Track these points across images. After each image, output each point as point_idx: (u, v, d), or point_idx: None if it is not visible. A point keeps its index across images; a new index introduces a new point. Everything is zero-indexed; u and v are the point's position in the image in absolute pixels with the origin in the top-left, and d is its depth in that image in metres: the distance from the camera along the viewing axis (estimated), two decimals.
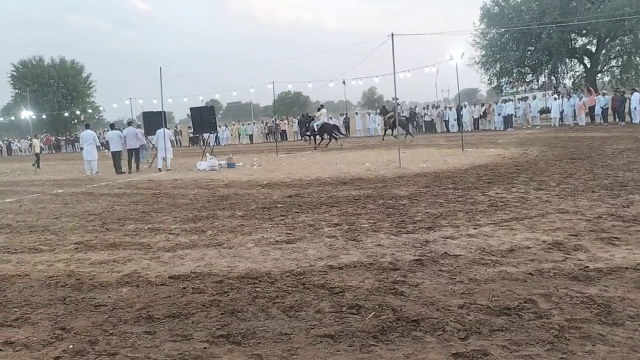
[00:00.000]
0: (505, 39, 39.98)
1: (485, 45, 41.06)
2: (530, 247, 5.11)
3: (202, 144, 25.02)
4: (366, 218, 7.11)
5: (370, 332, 3.31)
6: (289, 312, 3.80)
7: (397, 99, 18.24)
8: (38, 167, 23.33)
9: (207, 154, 18.84)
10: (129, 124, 20.40)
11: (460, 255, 5.00)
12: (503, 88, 42.28)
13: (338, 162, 16.42)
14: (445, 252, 5.10)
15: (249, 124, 46.05)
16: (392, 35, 14.09)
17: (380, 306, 3.75)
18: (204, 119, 20.24)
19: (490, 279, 4.24)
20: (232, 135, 42.89)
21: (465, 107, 32.32)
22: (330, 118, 30.36)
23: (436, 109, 35.82)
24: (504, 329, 3.26)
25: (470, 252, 5.10)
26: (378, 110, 32.88)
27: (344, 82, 28.83)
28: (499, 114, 30.94)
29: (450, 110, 33.69)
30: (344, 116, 40.55)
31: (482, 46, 41.25)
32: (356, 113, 43.66)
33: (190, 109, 21.64)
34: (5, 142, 57.42)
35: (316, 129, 24.57)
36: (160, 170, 17.71)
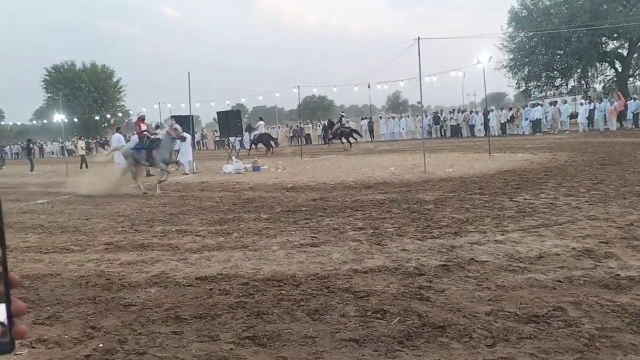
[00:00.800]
0: (533, 43, 39.36)
1: (513, 48, 40.50)
2: (559, 254, 5.03)
3: (228, 147, 25.29)
4: (391, 222, 7.08)
5: (396, 337, 3.30)
6: (313, 316, 3.82)
7: (421, 103, 18.15)
8: (86, 167, 24.14)
9: (233, 157, 19.02)
10: (157, 127, 20.74)
11: (487, 261, 4.94)
12: (531, 92, 41.63)
13: (362, 166, 16.39)
14: (472, 258, 5.05)
15: (273, 127, 46.32)
16: (418, 39, 14.03)
17: (406, 311, 3.74)
18: (230, 122, 20.48)
19: (518, 286, 4.19)
20: None
21: (492, 111, 31.93)
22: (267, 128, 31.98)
23: (462, 113, 35.48)
24: (532, 336, 3.21)
25: (498, 258, 5.04)
26: (325, 123, 34.24)
27: (368, 86, 28.79)
28: (527, 119, 30.48)
29: (477, 114, 33.33)
30: (368, 120, 40.47)
31: (509, 50, 40.71)
32: (380, 117, 43.46)
33: (217, 113, 21.92)
34: (38, 144, 58.89)
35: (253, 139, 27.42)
36: (186, 174, 17.93)
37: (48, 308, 4.38)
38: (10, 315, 0.54)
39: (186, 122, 21.30)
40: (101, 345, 3.51)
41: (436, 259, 5.12)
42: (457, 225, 6.60)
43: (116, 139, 19.54)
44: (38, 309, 4.37)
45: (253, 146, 28.83)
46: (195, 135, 25.06)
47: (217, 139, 40.91)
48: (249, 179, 14.63)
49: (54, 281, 5.22)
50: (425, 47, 14.08)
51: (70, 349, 3.51)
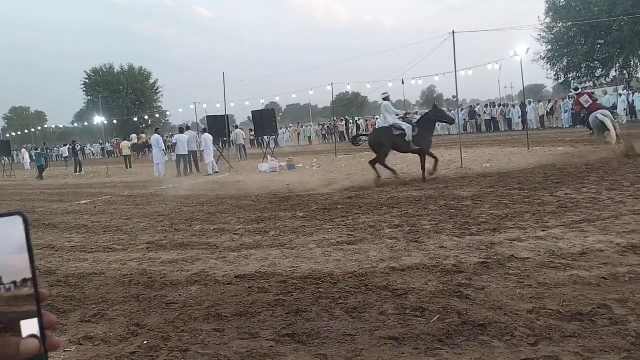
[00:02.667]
0: (572, 33, 38.19)
1: (551, 39, 39.41)
2: (603, 250, 4.88)
3: (263, 145, 25.54)
4: (428, 219, 7.02)
5: (436, 336, 3.28)
6: (352, 313, 3.83)
7: (456, 97, 17.89)
8: (130, 167, 24.94)
9: (268, 156, 19.21)
10: (187, 128, 21.11)
11: (528, 258, 4.84)
12: (571, 83, 40.45)
13: (397, 163, 16.28)
14: (512, 255, 4.96)
15: (307, 125, 46.50)
16: (453, 32, 13.83)
17: (445, 309, 3.70)
18: (265, 122, 20.68)
19: (560, 283, 4.09)
20: (291, 137, 43.48)
21: (530, 104, 31.19)
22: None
23: (499, 106, 34.78)
24: (576, 335, 3.14)
25: (539, 255, 4.93)
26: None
27: (402, 82, 28.50)
28: (567, 111, 29.63)
29: (515, 107, 32.61)
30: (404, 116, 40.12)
31: (547, 41, 39.62)
32: (415, 112, 43.07)
33: (252, 112, 22.16)
34: (79, 146, 60.76)
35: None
36: (210, 174, 18.17)
37: (94, 306, 4.53)
38: (42, 328, 0.57)
39: (221, 121, 21.64)
40: (146, 342, 3.61)
41: (475, 256, 5.05)
42: (496, 222, 6.49)
43: (155, 139, 19.97)
44: (84, 307, 4.52)
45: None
46: (231, 135, 25.30)
47: (252, 137, 41.39)
48: (284, 177, 14.74)
49: (99, 280, 5.39)
50: (461, 40, 13.89)
51: (116, 346, 3.63)
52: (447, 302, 3.85)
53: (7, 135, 43.96)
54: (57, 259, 6.54)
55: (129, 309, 4.37)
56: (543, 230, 5.85)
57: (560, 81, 41.70)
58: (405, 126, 11.50)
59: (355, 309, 3.90)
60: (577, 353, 2.90)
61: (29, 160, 33.98)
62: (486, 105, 35.97)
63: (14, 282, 0.56)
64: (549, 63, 40.18)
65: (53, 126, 58.75)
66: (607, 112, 13.12)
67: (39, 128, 54.31)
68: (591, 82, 39.22)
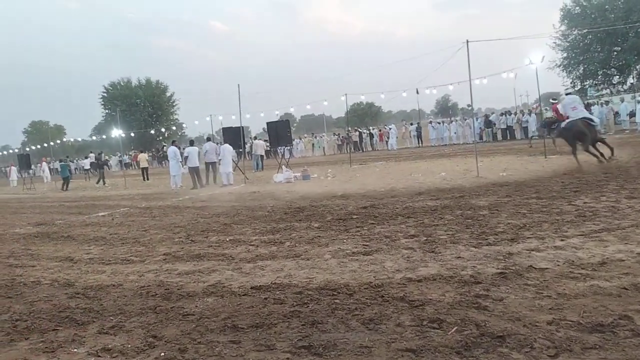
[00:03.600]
0: (588, 40, 37.95)
1: (566, 47, 39.19)
2: (623, 260, 4.80)
3: (279, 156, 25.64)
4: (444, 229, 6.97)
5: (454, 348, 3.24)
6: (368, 325, 3.80)
7: (471, 107, 17.82)
8: (147, 179, 25.20)
9: (283, 167, 19.26)
10: (208, 139, 21.28)
11: (546, 268, 4.78)
12: (587, 91, 40.04)
13: (413, 172, 16.23)
14: (531, 265, 4.89)
15: (321, 136, 46.61)
16: (467, 42, 13.80)
17: (463, 321, 3.66)
18: (280, 133, 20.78)
19: (580, 294, 4.03)
20: (305, 147, 43.61)
21: (546, 111, 30.87)
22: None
23: (515, 115, 34.51)
24: (597, 346, 3.08)
25: (558, 265, 4.86)
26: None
27: (417, 92, 28.48)
28: None
29: (530, 115, 32.32)
30: (416, 125, 40.03)
31: (563, 48, 39.41)
32: (430, 122, 42.91)
33: (267, 123, 22.28)
34: (105, 157, 61.50)
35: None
36: (224, 185, 18.23)
37: (112, 318, 4.56)
38: None
39: (237, 133, 21.79)
40: (163, 354, 3.62)
41: (493, 267, 5.00)
42: (513, 232, 6.42)
43: (172, 151, 20.15)
44: (102, 319, 4.55)
45: None
46: (246, 146, 25.46)
47: (267, 148, 41.63)
48: (299, 188, 14.76)
49: (116, 291, 5.44)
50: (475, 49, 13.85)
51: (133, 357, 3.64)
52: (465, 314, 3.81)
53: (27, 149, 44.71)
54: (76, 270, 6.61)
55: (146, 321, 4.39)
56: (562, 240, 5.77)
57: (576, 88, 41.34)
58: (595, 118, 13.26)
59: (371, 321, 3.87)
60: None
61: (49, 174, 34.43)
62: (502, 114, 35.70)
63: None
64: (564, 70, 39.93)
65: (72, 139, 59.68)
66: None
67: (58, 141, 55.14)
68: (608, 90, 38.82)
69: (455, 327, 3.56)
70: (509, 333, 3.37)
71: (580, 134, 12.98)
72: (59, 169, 26.82)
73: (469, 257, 5.47)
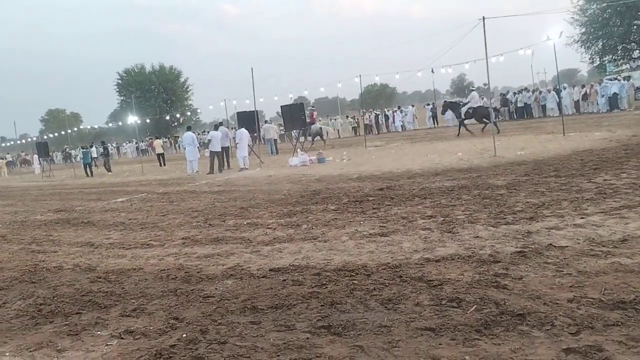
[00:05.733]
0: (607, 14, 36.91)
1: (585, 22, 38.19)
2: None
3: (294, 139, 25.62)
4: (461, 209, 6.93)
5: (473, 326, 3.23)
6: (387, 305, 3.81)
7: (488, 85, 17.56)
8: (164, 165, 25.37)
9: (298, 150, 19.26)
10: (220, 124, 21.31)
11: (566, 246, 4.73)
12: (607, 67, 39.14)
13: (429, 153, 16.11)
14: (550, 244, 4.85)
15: (336, 118, 46.39)
16: (483, 18, 13.55)
17: (482, 299, 3.65)
18: (294, 116, 20.74)
19: (601, 271, 3.98)
20: None
21: (564, 89, 30.36)
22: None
23: (533, 92, 33.94)
24: (619, 323, 3.05)
25: (578, 243, 4.81)
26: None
27: (432, 71, 28.09)
28: (603, 95, 28.72)
29: (549, 92, 31.77)
30: (431, 106, 39.61)
31: (581, 23, 38.41)
32: (445, 102, 42.39)
33: (281, 106, 22.25)
34: (115, 146, 62.13)
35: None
36: (241, 169, 18.28)
37: (133, 301, 4.64)
38: None
39: (251, 117, 21.80)
40: (184, 335, 3.68)
41: (512, 246, 4.96)
42: (532, 210, 6.36)
43: (190, 137, 20.23)
44: (124, 302, 4.63)
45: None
46: (261, 130, 25.47)
47: (282, 132, 41.62)
48: (314, 171, 14.76)
49: (137, 275, 5.52)
50: (491, 26, 13.61)
51: (156, 339, 3.71)
52: (484, 292, 3.80)
53: (45, 137, 45.29)
54: (97, 255, 6.72)
55: (167, 303, 4.45)
56: (582, 218, 5.70)
57: (595, 64, 40.45)
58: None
59: (390, 301, 3.88)
60: (620, 342, 2.82)
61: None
62: (519, 92, 35.13)
63: None
64: (583, 46, 38.98)
65: (88, 127, 60.15)
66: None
67: (75, 129, 55.70)
68: (628, 65, 37.90)
69: (475, 306, 3.55)
70: (529, 311, 3.35)
71: (486, 114, 21.13)
72: (81, 156, 27.16)
73: (488, 236, 5.43)
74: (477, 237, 5.46)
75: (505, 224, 5.85)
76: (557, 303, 3.45)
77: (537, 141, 15.77)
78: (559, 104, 27.84)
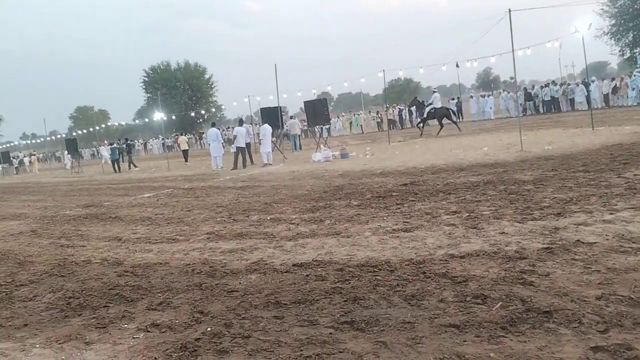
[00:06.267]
0: (638, 5, 35.92)
1: (614, 13, 37.26)
2: None
3: (315, 135, 25.64)
4: (487, 205, 6.84)
5: (498, 323, 3.19)
6: (410, 301, 3.79)
7: (514, 79, 17.28)
8: (187, 161, 25.66)
9: (321, 146, 19.26)
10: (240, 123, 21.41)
11: (595, 242, 4.63)
12: (637, 59, 38.10)
13: (453, 148, 15.94)
14: (578, 240, 4.75)
15: (359, 113, 46.25)
16: (510, 11, 13.31)
17: (508, 296, 3.60)
18: (317, 111, 20.74)
19: (631, 268, 3.89)
20: (343, 126, 43.42)
21: (593, 82, 29.65)
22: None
23: (561, 86, 33.23)
24: None
25: (607, 239, 4.70)
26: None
27: (457, 65, 27.76)
28: (633, 88, 27.95)
29: (577, 86, 31.07)
30: (456, 100, 39.16)
31: (611, 15, 37.49)
32: (471, 96, 41.85)
33: (304, 102, 22.24)
34: (142, 142, 63.07)
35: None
36: (265, 165, 18.35)
37: (159, 295, 4.71)
38: None
39: (274, 113, 21.87)
40: (209, 329, 3.72)
41: (538, 242, 4.88)
42: (559, 206, 6.24)
43: (214, 133, 20.42)
44: (150, 296, 4.71)
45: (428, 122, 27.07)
46: (285, 126, 25.54)
47: (305, 127, 41.65)
48: (337, 167, 14.75)
49: (163, 269, 5.60)
50: (517, 19, 13.36)
51: (181, 332, 3.76)
52: (510, 289, 3.74)
53: (74, 134, 46.24)
54: (124, 250, 6.84)
55: (192, 297, 4.51)
56: (611, 214, 5.57)
57: (625, 57, 39.43)
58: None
59: (413, 297, 3.86)
60: None
61: (108, 156, 35.26)
62: (545, 85, 34.41)
63: None
64: (612, 38, 38.06)
65: (116, 123, 61.25)
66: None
67: (103, 126, 56.76)
68: None
69: (500, 303, 3.51)
70: (556, 308, 3.29)
71: (446, 115, 24.28)
72: (109, 152, 27.59)
73: (514, 232, 5.35)
74: (503, 233, 5.38)
75: (531, 220, 5.75)
76: (585, 300, 3.38)
77: (565, 135, 15.46)
78: (588, 98, 27.21)
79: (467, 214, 6.42)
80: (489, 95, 37.86)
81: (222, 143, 20.25)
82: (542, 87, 34.32)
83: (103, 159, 34.42)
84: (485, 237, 5.31)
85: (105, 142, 40.71)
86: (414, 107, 29.91)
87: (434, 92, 26.38)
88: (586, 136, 14.39)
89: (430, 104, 25.26)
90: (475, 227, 5.74)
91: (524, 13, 13.70)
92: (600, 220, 5.36)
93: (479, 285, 3.90)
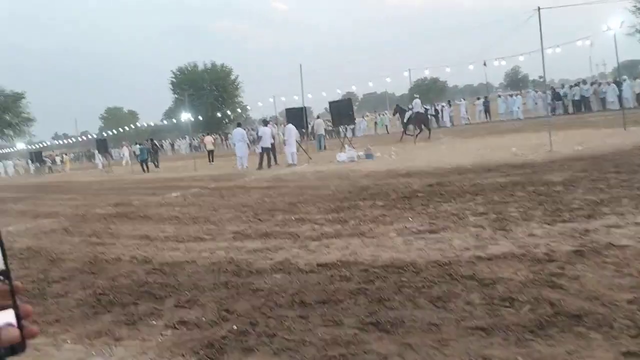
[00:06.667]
0: None
1: None
2: None
3: (341, 136, 25.63)
4: (515, 206, 6.73)
5: (527, 326, 3.15)
6: (436, 303, 3.77)
7: (544, 78, 16.94)
8: (212, 161, 25.99)
9: (346, 146, 19.23)
10: (265, 123, 21.53)
11: (627, 245, 4.52)
12: None
13: (481, 148, 15.74)
14: (609, 243, 4.64)
15: (384, 113, 46.04)
16: (539, 9, 13.08)
17: (536, 299, 3.54)
18: (342, 112, 20.73)
19: None
20: (368, 126, 43.28)
21: (625, 81, 28.89)
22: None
23: (592, 85, 32.46)
24: None
25: (639, 242, 4.58)
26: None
27: (484, 64, 27.43)
28: None
29: (609, 85, 30.31)
30: (484, 99, 38.63)
31: None
32: (499, 95, 41.27)
33: (329, 102, 22.26)
34: (170, 143, 64.01)
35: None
36: (289, 165, 18.41)
37: (187, 292, 4.78)
38: (19, 318, 0.58)
39: (299, 114, 21.94)
40: (235, 327, 3.76)
41: (568, 244, 4.79)
42: (590, 208, 6.10)
43: (240, 133, 20.59)
44: (178, 294, 4.78)
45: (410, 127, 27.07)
46: (308, 126, 25.60)
47: (330, 128, 41.66)
48: (362, 167, 14.71)
49: (190, 268, 5.68)
50: (547, 16, 13.11)
51: (207, 330, 3.81)
52: (539, 292, 3.68)
53: (104, 134, 47.22)
54: (153, 248, 6.96)
55: (218, 295, 4.56)
56: None
57: None
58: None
59: (439, 299, 3.83)
60: None
61: (129, 157, 35.94)
62: (575, 84, 33.66)
63: None
64: None
65: (145, 124, 62.24)
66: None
67: (132, 126, 57.79)
68: None
69: (529, 306, 3.46)
70: (587, 312, 3.23)
71: (423, 120, 24.68)
72: (138, 152, 28.02)
73: (543, 234, 5.26)
74: (532, 235, 5.29)
75: (561, 222, 5.64)
76: (616, 304, 3.31)
77: (596, 136, 15.11)
78: (620, 97, 26.50)
79: (495, 216, 6.33)
80: (517, 95, 37.23)
81: (247, 143, 20.39)
82: (571, 87, 33.60)
83: (124, 159, 35.12)
84: (514, 239, 5.23)
85: (124, 143, 41.48)
86: (398, 113, 30.34)
87: (415, 97, 26.94)
88: (618, 136, 14.04)
89: (411, 109, 25.68)
90: (503, 229, 5.66)
91: (554, 11, 13.45)
92: (633, 223, 5.22)
93: (507, 288, 3.85)
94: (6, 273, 0.57)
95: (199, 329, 3.86)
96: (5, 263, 0.57)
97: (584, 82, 34.15)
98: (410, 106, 26.75)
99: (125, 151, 37.41)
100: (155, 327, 4.01)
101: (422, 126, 24.75)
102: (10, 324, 0.56)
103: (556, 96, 32.77)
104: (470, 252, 4.97)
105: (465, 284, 4.09)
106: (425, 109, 41.05)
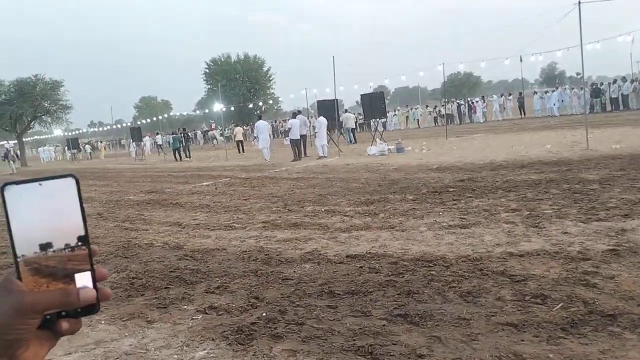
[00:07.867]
0: None
1: None
2: None
3: (372, 129, 25.53)
4: (549, 204, 6.60)
5: (559, 324, 3.10)
6: (466, 297, 3.74)
7: (582, 74, 16.48)
8: (242, 151, 26.30)
9: (377, 139, 19.14)
10: (299, 112, 21.59)
11: None
12: None
13: (514, 145, 15.46)
14: None
15: (416, 108, 45.60)
16: (579, 3, 12.72)
17: (569, 297, 3.48)
18: (374, 105, 20.60)
19: None
20: (399, 120, 42.96)
21: None
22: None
23: (632, 82, 31.42)
24: None
25: None
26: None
27: (520, 59, 26.86)
28: None
29: None
30: (518, 95, 37.84)
31: None
32: (535, 92, 40.34)
33: (361, 95, 22.15)
34: (202, 132, 64.75)
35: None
36: (320, 157, 18.41)
37: (217, 279, 4.86)
38: (95, 281, 0.61)
39: (331, 106, 21.91)
40: (264, 314, 3.82)
41: (603, 243, 4.68)
42: (627, 207, 5.94)
43: (263, 125, 20.73)
44: (208, 280, 4.87)
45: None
46: (341, 118, 25.57)
47: (361, 121, 41.49)
48: (393, 161, 14.63)
49: (221, 255, 5.77)
50: (587, 11, 12.74)
51: (237, 316, 3.88)
52: (572, 290, 3.62)
53: (138, 123, 48.15)
54: (184, 235, 7.09)
55: (248, 283, 4.63)
56: None
57: None
58: None
59: (469, 293, 3.80)
60: None
61: (149, 148, 36.62)
62: (613, 81, 32.63)
63: (70, 241, 0.60)
64: None
65: (178, 114, 63.20)
66: None
67: (165, 115, 58.78)
68: None
69: (561, 304, 3.40)
70: (621, 312, 3.16)
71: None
72: (171, 141, 28.43)
73: (577, 232, 5.15)
74: (566, 233, 5.19)
75: (597, 221, 5.51)
76: None
77: (634, 134, 14.65)
78: None
79: (528, 212, 6.23)
80: (553, 91, 36.33)
81: (270, 135, 20.48)
82: (610, 84, 32.60)
83: (145, 150, 35.87)
84: (547, 236, 5.14)
85: (149, 134, 42.20)
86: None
87: (346, 111, 28.15)
88: None
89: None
90: (536, 226, 5.56)
91: (595, 5, 13.04)
92: None
93: (539, 285, 3.79)
94: (85, 238, 0.60)
95: (228, 314, 3.93)
96: (85, 229, 0.60)
97: (624, 79, 33.03)
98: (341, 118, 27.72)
99: (148, 141, 38.07)
100: (186, 312, 4.09)
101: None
102: (86, 287, 0.60)
103: (595, 93, 31.83)
104: (502, 248, 4.90)
105: (496, 279, 4.05)
106: (459, 104, 40.52)
